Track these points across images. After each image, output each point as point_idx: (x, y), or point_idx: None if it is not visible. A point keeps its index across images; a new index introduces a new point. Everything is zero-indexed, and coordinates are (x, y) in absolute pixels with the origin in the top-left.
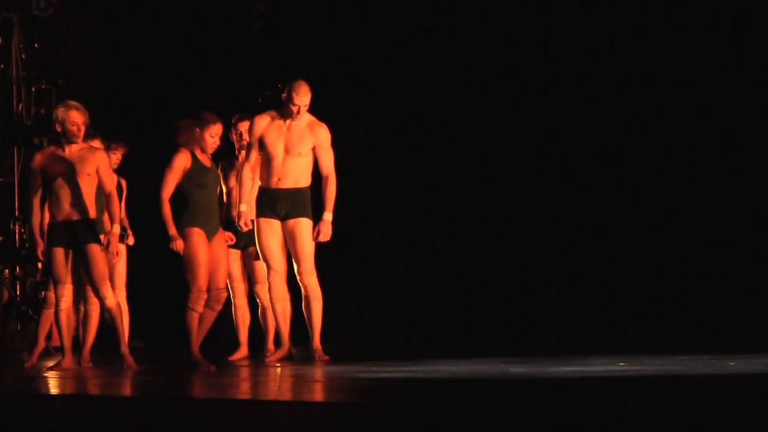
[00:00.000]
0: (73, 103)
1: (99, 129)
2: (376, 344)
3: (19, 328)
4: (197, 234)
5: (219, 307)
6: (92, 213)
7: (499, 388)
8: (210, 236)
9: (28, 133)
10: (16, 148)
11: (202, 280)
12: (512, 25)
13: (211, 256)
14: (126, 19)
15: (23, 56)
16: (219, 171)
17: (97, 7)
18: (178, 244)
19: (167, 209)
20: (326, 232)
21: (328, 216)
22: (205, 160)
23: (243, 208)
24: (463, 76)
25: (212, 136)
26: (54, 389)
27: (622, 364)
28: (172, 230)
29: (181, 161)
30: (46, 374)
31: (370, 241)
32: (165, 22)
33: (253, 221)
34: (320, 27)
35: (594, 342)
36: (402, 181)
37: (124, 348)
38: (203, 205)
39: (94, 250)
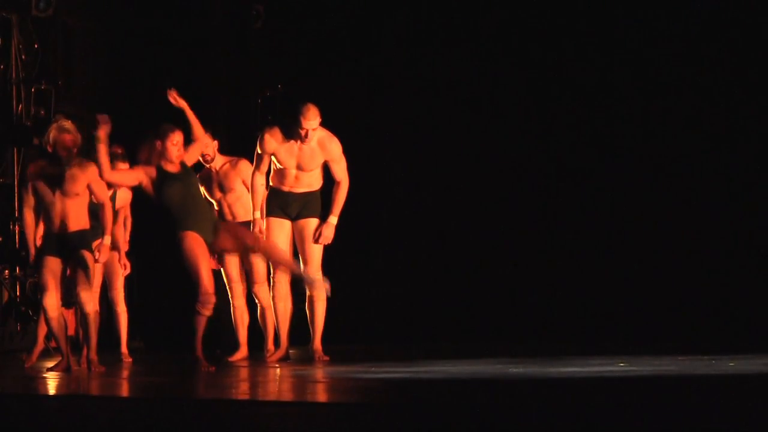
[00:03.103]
0: (66, 125)
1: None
2: (376, 344)
3: (18, 328)
4: (190, 236)
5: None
6: (85, 224)
7: (498, 388)
8: (207, 237)
9: (27, 134)
10: (15, 149)
11: (206, 281)
12: (514, 24)
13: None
14: (126, 20)
15: (23, 57)
16: (200, 183)
17: (97, 7)
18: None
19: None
20: (327, 235)
21: (333, 219)
22: (173, 167)
23: (257, 215)
24: (465, 76)
25: (174, 144)
26: (54, 389)
27: (622, 364)
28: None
29: (137, 176)
30: (45, 374)
31: (370, 241)
32: (164, 22)
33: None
34: (319, 27)
35: (594, 342)
36: (402, 182)
37: (92, 354)
38: (188, 210)
39: (86, 256)
